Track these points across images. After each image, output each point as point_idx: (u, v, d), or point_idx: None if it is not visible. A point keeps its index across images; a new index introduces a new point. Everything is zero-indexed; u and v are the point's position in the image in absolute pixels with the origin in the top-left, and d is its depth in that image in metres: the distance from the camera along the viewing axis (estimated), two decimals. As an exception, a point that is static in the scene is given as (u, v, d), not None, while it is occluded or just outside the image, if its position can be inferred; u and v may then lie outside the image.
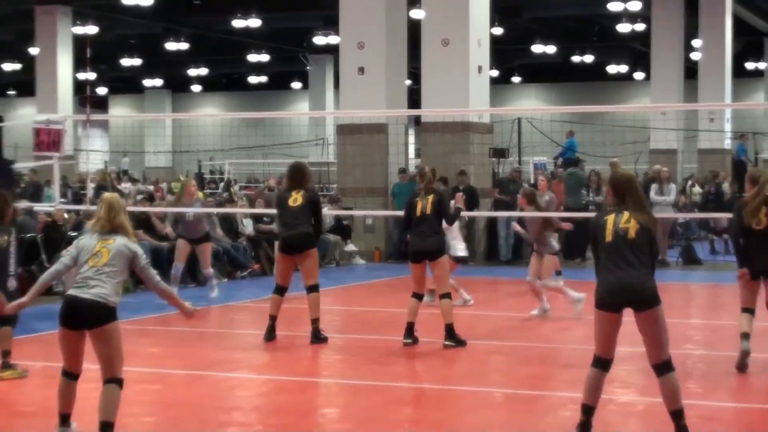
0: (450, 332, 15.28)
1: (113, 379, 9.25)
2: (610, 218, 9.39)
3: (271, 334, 15.66)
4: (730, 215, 16.40)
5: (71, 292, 9.43)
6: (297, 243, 15.86)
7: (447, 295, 15.50)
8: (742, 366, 13.26)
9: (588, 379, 9.43)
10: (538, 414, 11.80)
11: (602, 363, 9.41)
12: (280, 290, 15.93)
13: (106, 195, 9.97)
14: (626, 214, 9.32)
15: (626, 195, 9.45)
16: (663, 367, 9.29)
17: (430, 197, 15.48)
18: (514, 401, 12.53)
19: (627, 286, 9.19)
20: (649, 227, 9.37)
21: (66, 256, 9.79)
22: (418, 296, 15.51)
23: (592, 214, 17.40)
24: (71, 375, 9.49)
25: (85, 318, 9.30)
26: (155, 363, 14.37)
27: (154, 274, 9.71)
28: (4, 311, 12.48)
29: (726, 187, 33.93)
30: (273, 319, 15.74)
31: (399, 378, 13.74)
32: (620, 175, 9.78)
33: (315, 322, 15.66)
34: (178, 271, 20.58)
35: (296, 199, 15.91)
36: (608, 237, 9.36)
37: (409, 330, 15.36)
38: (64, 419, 9.45)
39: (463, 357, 14.76)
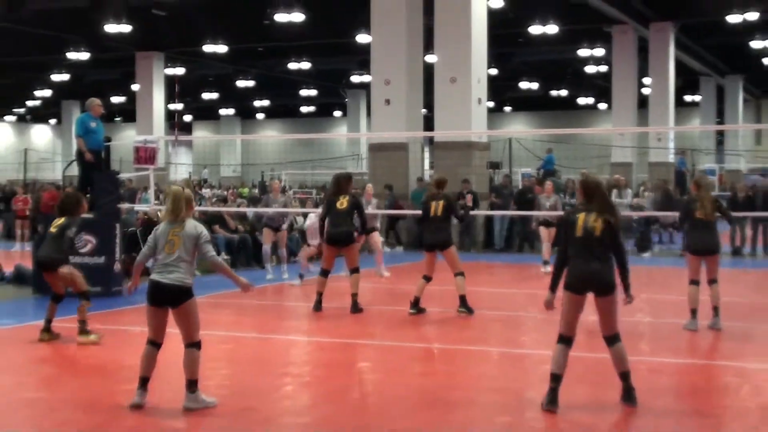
0: (463, 301, 15.42)
1: (192, 344, 9.22)
2: (581, 216, 9.21)
3: (318, 306, 15.72)
4: (675, 213, 16.55)
5: (154, 276, 9.40)
6: (342, 239, 16.00)
7: (460, 274, 15.52)
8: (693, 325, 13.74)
9: (555, 353, 9.26)
10: (524, 368, 11.84)
11: (566, 340, 9.24)
12: (325, 273, 16.03)
13: (172, 188, 9.79)
14: (594, 214, 9.15)
15: (594, 196, 9.28)
16: (612, 339, 9.27)
17: (441, 202, 15.62)
18: (506, 358, 12.58)
19: (591, 276, 9.11)
20: (613, 224, 9.18)
21: (146, 245, 9.74)
22: (427, 278, 15.57)
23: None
24: (155, 344, 9.42)
25: (168, 298, 9.30)
26: (228, 328, 14.40)
27: (210, 250, 9.41)
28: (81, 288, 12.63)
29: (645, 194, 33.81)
30: (320, 294, 15.81)
31: (417, 340, 13.77)
32: (590, 180, 9.57)
33: (354, 296, 15.75)
34: (267, 252, 21.16)
35: (342, 202, 16.02)
36: (579, 232, 9.19)
37: (415, 303, 15.50)
38: (143, 382, 9.27)
39: (468, 324, 14.79)
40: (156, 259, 9.52)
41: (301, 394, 10.32)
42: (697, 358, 12.49)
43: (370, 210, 20.59)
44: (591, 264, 9.11)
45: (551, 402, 9.12)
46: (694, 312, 13.83)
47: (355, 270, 15.97)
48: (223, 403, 9.35)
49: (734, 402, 9.89)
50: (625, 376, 9.33)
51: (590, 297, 9.16)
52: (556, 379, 9.18)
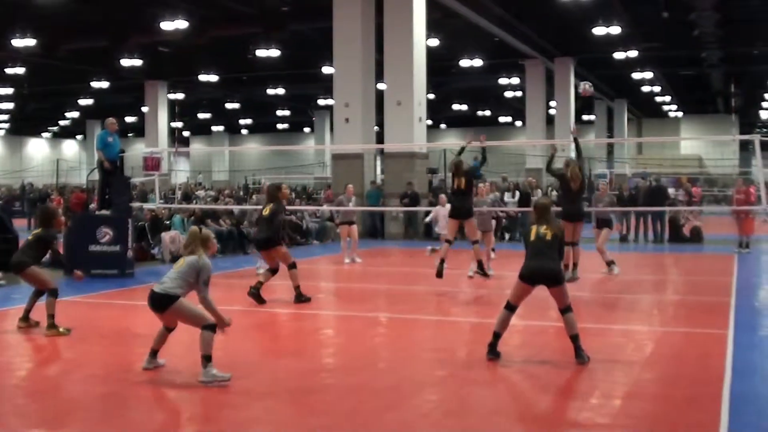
0: (480, 265, 15.33)
1: (206, 326, 8.80)
2: (534, 228, 9.64)
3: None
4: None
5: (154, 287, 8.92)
6: (260, 243, 14.50)
7: (477, 242, 15.36)
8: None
9: (501, 315, 9.51)
10: (455, 333, 11.84)
11: (512, 307, 9.49)
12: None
13: (192, 229, 9.31)
14: (545, 226, 9.58)
15: (544, 214, 9.74)
16: (565, 310, 9.38)
17: (463, 178, 15.38)
18: (441, 324, 12.58)
19: (542, 271, 9.34)
20: (558, 234, 9.61)
21: None
22: (449, 242, 15.33)
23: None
24: (167, 328, 9.13)
25: (155, 305, 8.84)
26: (219, 302, 14.30)
27: (203, 289, 8.79)
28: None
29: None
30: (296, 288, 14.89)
31: (370, 311, 13.71)
32: (542, 203, 10.06)
33: (297, 288, 14.00)
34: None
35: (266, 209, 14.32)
36: (533, 237, 9.57)
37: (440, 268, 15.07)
38: (154, 353, 9.14)
39: (409, 297, 14.76)
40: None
41: (279, 355, 10.27)
42: (593, 323, 12.56)
43: (350, 206, 20.45)
44: (544, 262, 9.36)
45: (492, 353, 9.44)
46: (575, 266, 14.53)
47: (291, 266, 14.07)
48: (215, 364, 9.29)
49: (622, 356, 9.95)
50: (575, 338, 9.38)
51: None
52: (497, 336, 9.49)
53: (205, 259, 8.85)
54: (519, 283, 9.50)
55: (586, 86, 16.82)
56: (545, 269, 9.37)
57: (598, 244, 17.73)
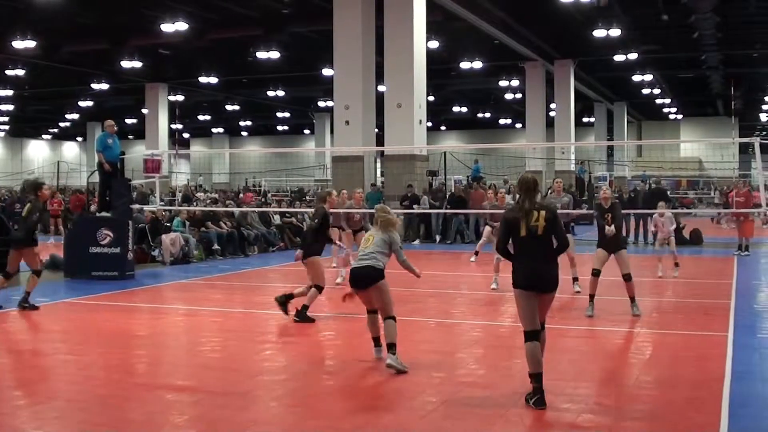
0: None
1: (388, 317, 9.29)
2: (523, 219, 7.73)
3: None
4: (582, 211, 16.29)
5: (354, 264, 9.51)
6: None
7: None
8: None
9: (529, 350, 7.80)
10: (455, 335, 11.82)
11: (535, 335, 7.78)
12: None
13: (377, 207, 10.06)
14: (535, 214, 7.75)
15: (532, 193, 7.87)
16: (542, 325, 7.93)
17: None
18: (441, 327, 12.57)
19: (542, 278, 7.75)
20: (553, 220, 7.80)
21: None
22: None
23: (491, 211, 17.23)
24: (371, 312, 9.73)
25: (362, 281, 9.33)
26: (219, 305, 14.35)
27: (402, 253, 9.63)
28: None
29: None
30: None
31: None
32: (528, 177, 8.07)
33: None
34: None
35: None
36: (523, 232, 7.74)
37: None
38: (376, 341, 9.72)
39: (410, 299, 14.74)
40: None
41: (278, 357, 10.27)
42: (593, 326, 12.55)
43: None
44: (537, 264, 7.71)
45: (539, 402, 7.65)
46: (591, 298, 12.90)
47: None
48: (214, 366, 9.31)
49: (622, 358, 9.95)
50: (537, 377, 7.81)
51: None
52: (538, 379, 7.78)
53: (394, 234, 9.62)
54: (521, 295, 7.78)
55: None
56: (545, 276, 7.78)
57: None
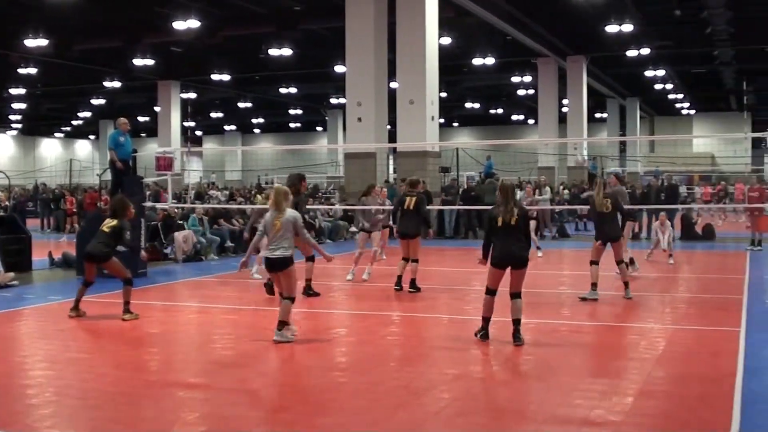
0: (412, 283, 15.10)
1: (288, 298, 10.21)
2: (500, 212, 10.13)
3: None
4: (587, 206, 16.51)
5: (265, 253, 10.45)
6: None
7: (416, 260, 15.23)
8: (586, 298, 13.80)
9: (485, 301, 10.27)
10: (468, 331, 11.83)
11: (492, 292, 10.23)
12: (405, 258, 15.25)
13: (275, 185, 10.82)
14: (510, 211, 10.09)
15: (509, 195, 10.23)
16: (516, 295, 10.16)
17: (414, 198, 15.30)
18: (454, 323, 12.58)
19: (512, 256, 10.09)
20: (526, 215, 10.29)
21: (258, 230, 10.76)
22: (405, 260, 15.28)
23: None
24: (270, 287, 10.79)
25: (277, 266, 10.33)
26: (231, 302, 14.37)
27: (306, 233, 10.44)
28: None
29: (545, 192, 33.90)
30: (307, 282, 14.81)
31: (382, 309, 13.72)
32: (507, 185, 10.46)
33: (308, 281, 14.64)
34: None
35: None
36: (499, 223, 10.11)
37: (398, 281, 15.14)
38: (279, 324, 10.27)
39: (424, 295, 14.76)
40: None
41: (290, 354, 10.27)
42: (605, 321, 12.54)
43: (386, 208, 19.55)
44: (511, 247, 10.10)
45: (484, 336, 10.30)
46: (594, 285, 13.85)
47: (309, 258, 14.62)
48: (226, 363, 9.32)
49: (634, 354, 9.93)
50: (517, 322, 10.13)
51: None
52: (486, 321, 10.34)
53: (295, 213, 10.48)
54: (492, 270, 10.19)
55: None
56: (515, 254, 10.05)
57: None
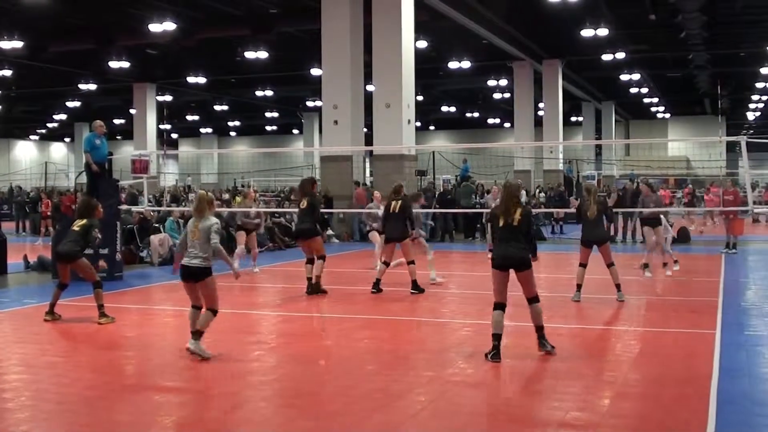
0: (414, 284, 15.21)
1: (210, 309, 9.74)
2: (502, 212, 9.75)
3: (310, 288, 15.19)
4: (566, 209, 16.67)
5: (183, 261, 9.78)
6: (302, 233, 15.51)
7: (412, 262, 15.30)
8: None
9: (494, 317, 9.53)
10: (444, 333, 11.84)
11: (501, 306, 9.55)
12: (309, 261, 15.29)
13: (199, 192, 10.42)
14: (513, 210, 9.67)
15: (512, 196, 9.82)
16: (533, 300, 9.70)
17: (399, 202, 15.37)
18: (429, 326, 12.58)
19: (513, 257, 9.56)
20: (528, 215, 9.78)
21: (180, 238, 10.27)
22: (386, 263, 15.35)
23: (480, 211, 17.34)
24: (196, 307, 9.90)
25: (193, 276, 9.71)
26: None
27: (218, 243, 9.75)
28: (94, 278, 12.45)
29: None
30: (309, 280, 15.20)
31: (361, 312, 13.72)
32: (513, 184, 10.22)
33: (317, 278, 15.13)
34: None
35: (303, 202, 15.41)
36: (501, 223, 9.71)
37: (376, 284, 15.22)
38: (194, 334, 9.67)
39: (402, 298, 14.76)
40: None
41: (269, 357, 10.25)
42: (581, 323, 12.58)
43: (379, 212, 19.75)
44: (512, 248, 9.63)
45: (495, 356, 9.40)
46: (579, 287, 14.05)
47: (320, 257, 15.17)
48: (202, 367, 9.30)
49: (610, 356, 9.97)
50: (540, 329, 9.72)
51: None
52: (497, 338, 9.50)
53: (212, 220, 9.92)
54: (494, 273, 9.63)
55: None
56: (514, 256, 9.55)
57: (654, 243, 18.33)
